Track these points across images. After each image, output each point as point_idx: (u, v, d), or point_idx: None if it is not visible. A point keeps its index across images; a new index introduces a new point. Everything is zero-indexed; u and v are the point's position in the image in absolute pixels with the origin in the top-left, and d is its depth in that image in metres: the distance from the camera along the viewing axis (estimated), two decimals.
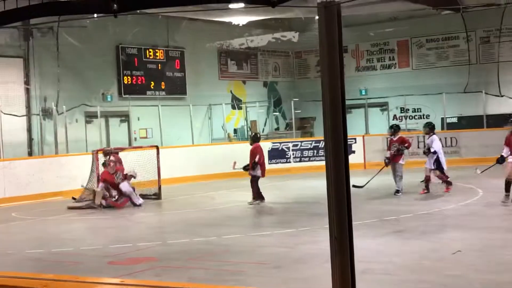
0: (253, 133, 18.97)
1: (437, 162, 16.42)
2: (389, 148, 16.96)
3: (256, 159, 16.35)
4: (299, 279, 8.31)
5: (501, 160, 14.14)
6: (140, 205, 17.10)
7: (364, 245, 10.26)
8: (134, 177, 17.65)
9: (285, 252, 10.16)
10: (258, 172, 16.38)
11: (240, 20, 24.59)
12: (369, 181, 17.02)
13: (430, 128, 16.96)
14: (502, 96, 26.81)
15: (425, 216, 13.03)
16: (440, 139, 17.23)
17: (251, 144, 16.83)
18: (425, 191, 16.38)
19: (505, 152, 14.08)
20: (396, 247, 10.10)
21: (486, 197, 15.33)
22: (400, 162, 16.61)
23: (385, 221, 12.69)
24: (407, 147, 16.99)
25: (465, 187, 17.27)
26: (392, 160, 16.60)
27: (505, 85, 26.98)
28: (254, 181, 16.41)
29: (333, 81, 2.22)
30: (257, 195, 16.37)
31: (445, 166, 16.55)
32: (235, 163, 16.75)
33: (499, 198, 14.23)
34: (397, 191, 16.46)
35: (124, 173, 17.40)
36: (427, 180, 16.50)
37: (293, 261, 9.42)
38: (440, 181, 16.62)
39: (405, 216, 13.06)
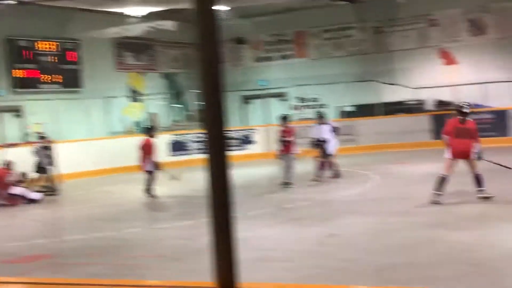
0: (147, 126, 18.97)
1: (326, 150, 16.79)
2: (281, 139, 16.51)
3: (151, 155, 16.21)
4: (199, 271, 8.28)
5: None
6: (37, 200, 16.61)
7: (263, 233, 10.39)
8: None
9: (184, 244, 10.14)
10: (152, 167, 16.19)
11: (137, 11, 24.29)
12: None
13: (319, 117, 17.39)
14: (395, 84, 27.66)
15: (323, 203, 13.30)
16: (333, 128, 17.37)
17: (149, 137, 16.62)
18: (318, 178, 16.58)
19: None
20: (295, 234, 10.26)
21: (380, 182, 15.78)
22: (290, 153, 16.36)
23: (284, 209, 12.87)
24: (290, 137, 16.52)
25: (361, 174, 17.73)
26: (284, 151, 16.32)
27: (397, 73, 27.85)
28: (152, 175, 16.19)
29: (210, 71, 2.21)
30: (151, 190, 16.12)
31: (334, 155, 16.93)
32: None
33: (393, 184, 14.71)
34: (286, 183, 16.10)
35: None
36: (319, 168, 16.78)
37: (193, 252, 9.41)
38: (330, 169, 16.93)
39: (304, 203, 13.29)
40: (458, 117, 12.38)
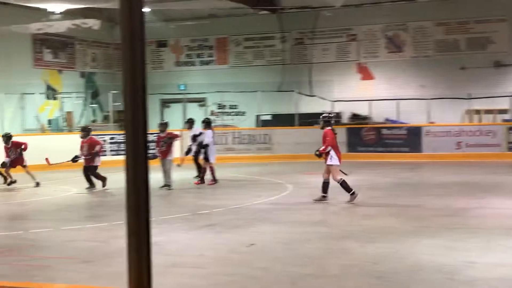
0: (87, 126, 20.17)
1: (206, 154, 17.93)
2: (158, 145, 17.31)
3: (97, 149, 17.36)
4: (109, 273, 8.19)
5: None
6: None
7: (176, 238, 10.33)
8: None
9: (96, 247, 9.98)
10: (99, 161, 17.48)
11: (56, 7, 23.79)
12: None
13: (206, 123, 18.33)
14: (313, 96, 28.09)
15: (236, 210, 13.34)
16: (213, 134, 18.54)
17: (83, 137, 17.58)
18: (200, 182, 17.81)
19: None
20: (207, 241, 10.25)
21: (294, 192, 15.97)
22: (168, 158, 17.17)
23: (198, 215, 12.84)
24: (175, 139, 17.70)
25: (276, 183, 17.90)
26: (162, 156, 17.10)
27: (316, 85, 28.31)
28: (94, 170, 17.28)
29: (133, 74, 2.19)
30: (92, 182, 17.20)
31: (213, 160, 17.97)
32: (47, 159, 16.90)
33: (305, 193, 14.90)
34: (166, 185, 16.94)
35: None
36: (203, 171, 17.90)
37: (104, 255, 9.28)
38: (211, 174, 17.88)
39: (217, 210, 13.30)
40: (330, 127, 13.89)
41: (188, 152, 18.57)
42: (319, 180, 14.88)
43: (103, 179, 17.20)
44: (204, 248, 9.65)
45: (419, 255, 8.82)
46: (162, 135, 17.36)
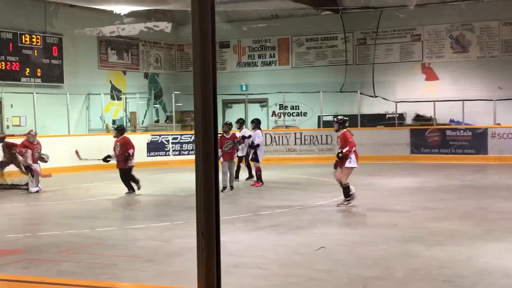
0: (120, 125, 18.87)
1: (255, 155, 17.78)
2: (221, 146, 16.66)
3: (131, 152, 16.40)
4: (172, 273, 8.27)
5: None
6: (36, 192, 16.92)
7: (238, 239, 10.36)
8: (46, 161, 17.54)
9: (159, 246, 10.08)
10: (132, 163, 16.50)
11: (122, 9, 24.18)
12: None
13: (255, 124, 18.36)
14: (376, 96, 27.81)
15: (298, 211, 13.29)
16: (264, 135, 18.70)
17: (116, 136, 16.76)
18: (261, 183, 17.54)
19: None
20: (269, 242, 10.24)
21: (356, 194, 15.81)
22: (233, 159, 17.24)
23: (260, 215, 12.85)
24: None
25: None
26: (227, 158, 16.87)
27: (379, 86, 28.00)
28: (129, 172, 16.47)
29: (205, 75, 2.19)
30: (131, 186, 16.40)
31: (261, 161, 17.84)
32: (77, 152, 16.97)
33: (369, 195, 14.76)
34: (226, 187, 16.67)
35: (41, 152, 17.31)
36: (258, 172, 17.63)
37: (167, 254, 9.37)
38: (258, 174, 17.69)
39: (279, 211, 13.28)
40: (347, 129, 13.72)
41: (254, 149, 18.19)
42: (383, 181, 14.84)
43: (137, 182, 16.41)
44: (266, 249, 9.64)
45: (486, 259, 8.62)
46: (226, 136, 17.12)
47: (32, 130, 18.29)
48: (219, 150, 17.03)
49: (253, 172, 18.16)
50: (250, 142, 18.15)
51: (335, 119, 14.21)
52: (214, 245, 2.19)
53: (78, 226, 12.00)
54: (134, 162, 16.60)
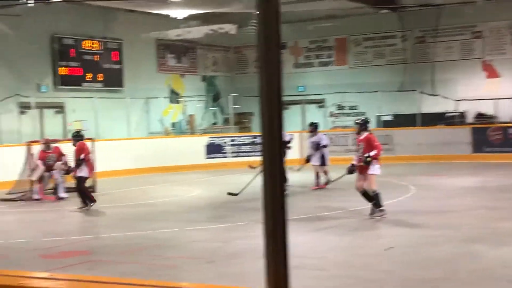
0: (76, 131, 16.42)
1: (322, 158, 17.48)
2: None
3: (81, 157, 14.97)
4: (232, 274, 8.30)
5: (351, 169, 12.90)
6: (62, 198, 16.84)
7: (298, 240, 10.32)
8: (66, 172, 16.83)
9: (219, 247, 10.14)
10: (85, 171, 15.08)
11: (179, 13, 24.44)
12: (243, 188, 15.33)
13: (315, 127, 18.03)
14: (436, 95, 27.39)
15: (358, 212, 13.18)
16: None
17: (74, 145, 15.29)
18: (325, 185, 17.30)
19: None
20: (329, 243, 10.20)
21: (417, 194, 15.62)
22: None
23: (319, 217, 12.80)
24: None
25: (398, 184, 17.56)
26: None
27: (439, 84, 27.58)
28: (82, 182, 15.05)
29: (270, 77, 2.20)
30: (88, 198, 15.07)
31: (328, 163, 17.55)
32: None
33: (430, 196, 14.54)
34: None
35: (60, 162, 17.07)
36: (327, 174, 17.41)
37: (227, 256, 9.42)
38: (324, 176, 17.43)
39: (338, 212, 13.21)
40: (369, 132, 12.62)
41: (308, 159, 17.92)
42: (444, 181, 14.60)
43: (89, 199, 14.99)
44: (326, 250, 9.61)
45: None
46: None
47: (47, 138, 18.14)
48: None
49: (320, 175, 17.60)
50: (316, 144, 17.64)
51: (356, 121, 13.13)
52: (282, 247, 2.18)
53: (140, 228, 12.16)
54: (90, 173, 15.40)
